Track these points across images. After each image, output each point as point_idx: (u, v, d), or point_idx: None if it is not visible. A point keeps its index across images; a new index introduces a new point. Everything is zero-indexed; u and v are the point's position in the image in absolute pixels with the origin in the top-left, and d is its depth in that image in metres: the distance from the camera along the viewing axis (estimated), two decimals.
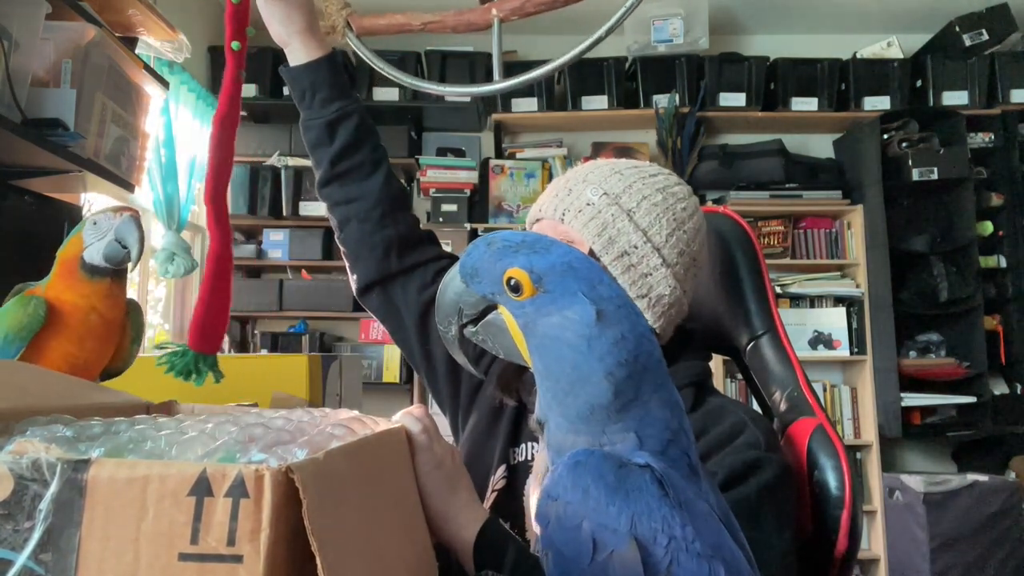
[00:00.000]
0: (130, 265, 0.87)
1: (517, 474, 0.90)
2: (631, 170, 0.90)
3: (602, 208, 0.87)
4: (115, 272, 0.86)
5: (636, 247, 0.87)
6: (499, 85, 1.25)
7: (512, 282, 0.56)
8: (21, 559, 0.39)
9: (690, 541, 0.49)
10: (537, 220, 0.93)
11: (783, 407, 0.90)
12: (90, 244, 0.84)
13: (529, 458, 0.90)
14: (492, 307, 0.59)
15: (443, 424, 0.96)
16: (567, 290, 0.56)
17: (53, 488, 0.39)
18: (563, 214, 0.88)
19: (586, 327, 0.54)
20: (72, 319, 0.83)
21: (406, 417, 0.72)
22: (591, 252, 0.86)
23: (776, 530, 0.74)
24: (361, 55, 1.28)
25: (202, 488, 0.38)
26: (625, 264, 0.87)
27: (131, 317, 0.92)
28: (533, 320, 0.56)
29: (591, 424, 0.54)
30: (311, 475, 0.40)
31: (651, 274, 0.87)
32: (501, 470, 0.91)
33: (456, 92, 1.42)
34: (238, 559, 0.38)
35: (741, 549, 0.54)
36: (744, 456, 0.77)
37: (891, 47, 3.63)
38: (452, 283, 0.61)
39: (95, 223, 0.84)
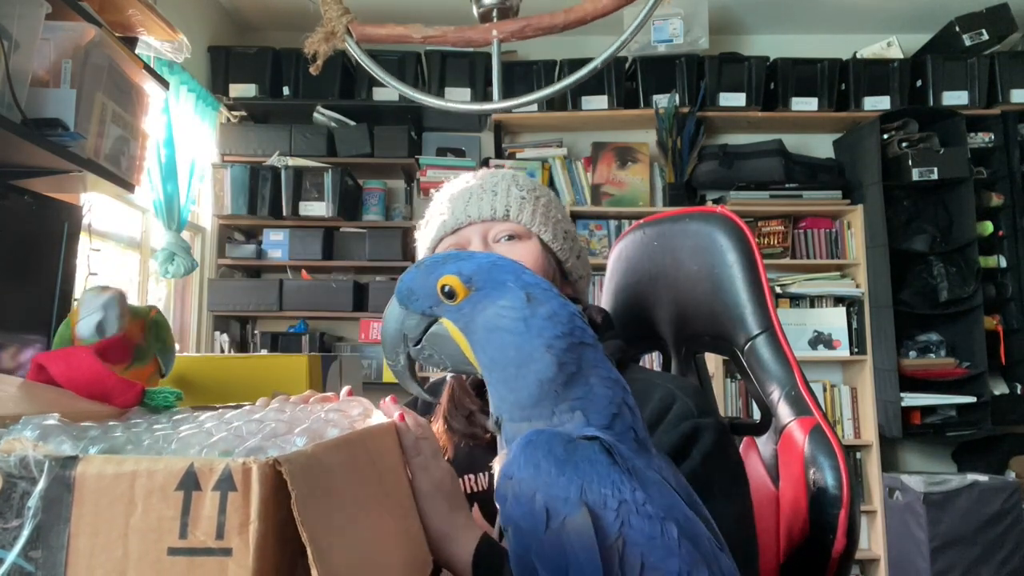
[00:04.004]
0: (108, 331, 0.93)
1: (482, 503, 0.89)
2: (511, 171, 0.99)
3: (534, 200, 0.93)
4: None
5: (568, 231, 0.95)
6: (500, 104, 1.30)
7: (446, 289, 0.61)
8: (11, 557, 0.39)
9: (640, 504, 0.51)
10: (456, 231, 0.92)
11: (781, 407, 0.90)
12: (83, 317, 0.92)
13: (483, 488, 0.89)
14: (433, 321, 0.63)
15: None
16: (496, 282, 0.60)
17: (41, 485, 0.39)
18: (507, 209, 0.90)
19: (520, 309, 0.58)
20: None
21: (406, 436, 0.71)
22: (541, 241, 0.92)
23: (725, 495, 0.75)
24: (360, 61, 1.30)
25: (190, 482, 0.39)
26: (571, 247, 0.95)
27: (156, 334, 1.00)
28: (471, 318, 0.60)
29: (542, 404, 0.57)
30: (299, 467, 0.41)
31: (581, 253, 0.97)
32: None
33: (457, 108, 1.45)
34: (227, 552, 0.38)
35: (705, 523, 0.56)
36: (680, 430, 0.78)
37: (891, 47, 3.63)
38: (391, 313, 0.65)
39: (85, 301, 0.92)
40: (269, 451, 0.50)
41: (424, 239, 0.98)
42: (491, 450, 0.87)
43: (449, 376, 0.95)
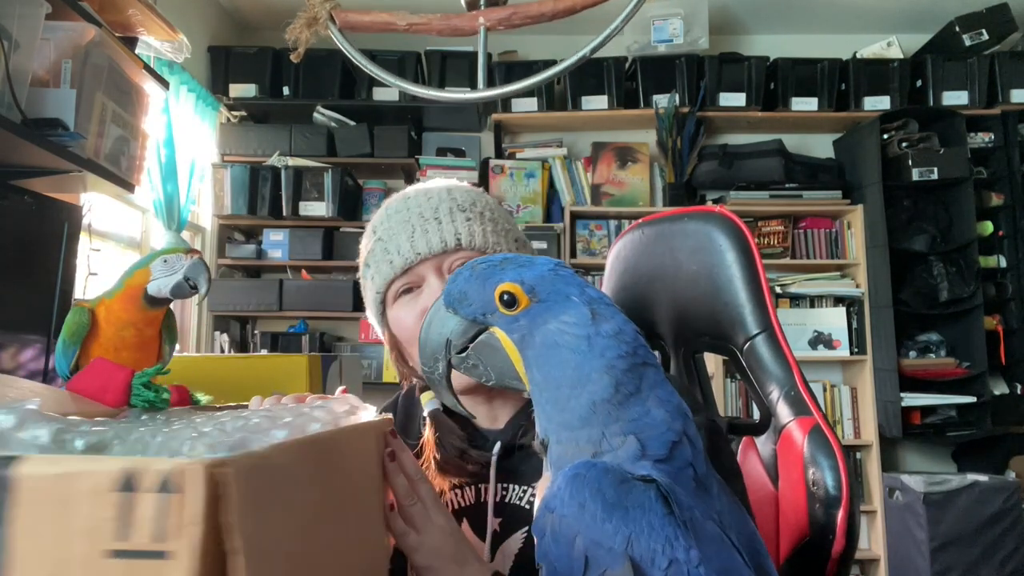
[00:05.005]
0: (197, 297, 0.98)
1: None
2: (443, 186, 0.91)
3: (479, 218, 0.87)
4: (167, 302, 0.98)
5: (518, 238, 0.91)
6: (486, 92, 1.27)
7: (505, 297, 0.56)
8: None
9: (694, 565, 0.46)
10: (407, 270, 0.85)
11: (780, 407, 0.90)
12: (157, 278, 0.94)
13: (471, 502, 0.88)
14: (483, 330, 0.59)
15: None
16: (560, 295, 0.56)
17: None
18: (457, 238, 0.84)
19: (584, 327, 0.54)
20: (109, 331, 0.94)
21: (395, 524, 0.69)
22: None
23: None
24: (343, 49, 1.28)
25: (129, 484, 0.38)
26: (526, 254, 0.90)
27: (165, 324, 1.01)
28: (530, 331, 0.56)
29: (592, 425, 0.53)
30: (243, 469, 0.39)
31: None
32: None
33: (444, 97, 1.42)
34: (166, 555, 0.37)
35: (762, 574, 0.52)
36: None
37: (891, 47, 3.63)
38: (436, 316, 0.60)
39: (165, 261, 0.95)
40: (251, 445, 0.49)
41: (371, 283, 0.90)
42: (485, 461, 0.86)
43: (427, 411, 0.91)
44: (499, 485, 0.85)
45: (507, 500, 0.85)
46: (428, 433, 0.90)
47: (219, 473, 0.38)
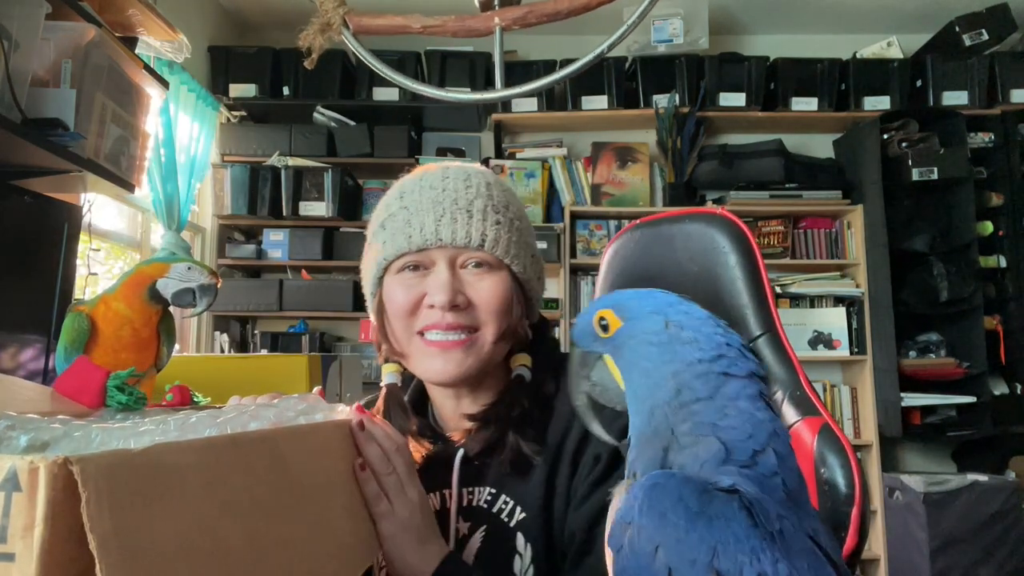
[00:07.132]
0: (190, 312, 1.01)
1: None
2: (483, 178, 0.87)
3: (509, 226, 0.85)
4: (167, 304, 1.00)
5: (535, 254, 0.90)
6: (499, 93, 1.26)
7: (602, 322, 0.60)
8: None
9: None
10: (421, 250, 0.82)
11: (785, 408, 0.90)
12: (171, 278, 0.96)
13: (435, 509, 0.87)
14: (600, 358, 0.62)
15: None
16: (643, 312, 0.59)
17: None
18: (483, 238, 0.82)
19: (656, 335, 0.56)
20: (108, 331, 0.94)
21: (366, 486, 0.71)
22: (511, 271, 0.85)
23: None
24: (358, 54, 1.28)
25: None
26: (536, 271, 0.90)
27: (162, 325, 1.02)
28: (620, 349, 0.59)
29: (660, 432, 0.53)
30: (99, 467, 0.37)
31: (540, 273, 0.92)
32: None
33: (455, 99, 1.41)
34: (10, 557, 0.35)
35: None
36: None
37: (891, 47, 3.63)
38: (572, 353, 0.65)
39: (189, 268, 0.98)
40: (211, 430, 0.49)
41: (381, 247, 0.85)
42: (447, 467, 0.86)
43: (384, 383, 0.91)
44: (464, 489, 0.86)
45: (473, 503, 0.85)
46: (379, 403, 0.90)
47: (65, 472, 0.35)
